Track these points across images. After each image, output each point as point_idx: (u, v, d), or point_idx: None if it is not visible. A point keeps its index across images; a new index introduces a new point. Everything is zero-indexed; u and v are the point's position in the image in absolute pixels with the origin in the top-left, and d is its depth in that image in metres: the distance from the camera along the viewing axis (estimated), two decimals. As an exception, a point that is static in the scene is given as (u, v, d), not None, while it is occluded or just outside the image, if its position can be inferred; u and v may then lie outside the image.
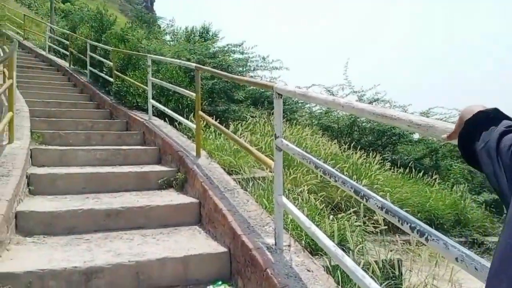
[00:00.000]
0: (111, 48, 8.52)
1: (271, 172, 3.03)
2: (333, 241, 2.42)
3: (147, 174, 4.53)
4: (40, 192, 3.99)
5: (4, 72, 5.65)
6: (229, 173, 4.43)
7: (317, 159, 2.36)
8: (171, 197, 4.05)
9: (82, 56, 10.28)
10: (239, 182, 4.13)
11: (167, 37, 17.49)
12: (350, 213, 3.25)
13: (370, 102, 8.32)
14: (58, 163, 4.76)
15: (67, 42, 11.61)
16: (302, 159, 2.41)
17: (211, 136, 5.50)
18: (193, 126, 4.88)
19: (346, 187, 1.95)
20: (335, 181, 2.05)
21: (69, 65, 11.21)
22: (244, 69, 8.92)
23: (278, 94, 2.81)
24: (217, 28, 13.60)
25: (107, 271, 2.70)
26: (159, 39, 13.53)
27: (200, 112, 4.60)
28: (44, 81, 9.74)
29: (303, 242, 2.84)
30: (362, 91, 8.87)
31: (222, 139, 5.18)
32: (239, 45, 9.00)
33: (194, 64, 4.87)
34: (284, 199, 2.61)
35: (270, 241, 2.70)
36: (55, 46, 13.29)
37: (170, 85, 6.09)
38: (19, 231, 3.23)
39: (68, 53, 11.40)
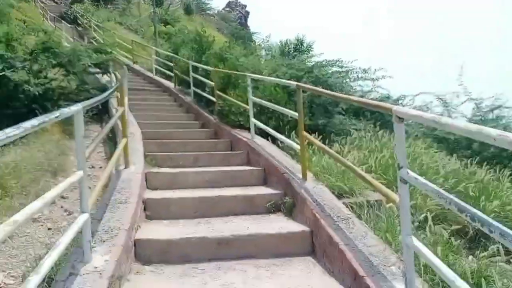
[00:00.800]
0: (211, 68, 8.78)
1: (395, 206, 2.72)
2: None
3: (254, 197, 4.47)
4: (157, 216, 4.13)
5: (117, 97, 6.10)
6: (339, 196, 4.18)
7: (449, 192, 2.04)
8: (281, 224, 3.92)
9: (185, 77, 10.80)
10: (352, 207, 3.86)
11: (263, 52, 17.77)
12: (493, 250, 2.80)
13: (491, 110, 7.46)
14: (171, 186, 4.91)
15: (171, 64, 12.32)
16: (438, 198, 2.09)
17: (315, 156, 5.29)
18: (297, 147, 4.72)
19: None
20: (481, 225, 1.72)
21: (174, 86, 11.85)
22: (344, 81, 8.59)
23: (399, 118, 2.51)
24: (311, 39, 13.43)
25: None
26: (255, 55, 13.80)
27: (304, 133, 4.43)
28: (152, 102, 10.39)
29: None
30: (480, 99, 8.01)
31: (328, 158, 4.94)
32: (337, 61, 8.70)
33: (295, 83, 4.73)
34: (415, 241, 2.30)
35: (399, 286, 2.40)
36: (160, 68, 14.19)
37: (271, 104, 6.01)
38: (138, 259, 3.33)
39: (172, 75, 12.07)
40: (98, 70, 10.88)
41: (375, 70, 8.88)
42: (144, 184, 4.67)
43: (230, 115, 7.50)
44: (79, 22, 23.96)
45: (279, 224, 3.89)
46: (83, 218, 2.74)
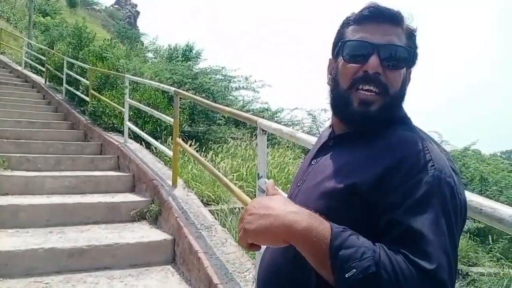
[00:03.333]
0: (88, 66, 8.23)
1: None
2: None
3: (119, 205, 4.22)
4: (1, 225, 3.64)
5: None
6: (207, 204, 4.17)
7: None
8: (143, 233, 3.75)
9: (58, 73, 9.93)
10: (218, 214, 3.87)
11: (150, 54, 17.33)
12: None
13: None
14: (24, 191, 4.41)
15: (44, 58, 11.25)
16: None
17: (189, 163, 5.23)
18: (170, 153, 4.61)
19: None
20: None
21: (45, 82, 10.81)
22: (226, 90, 8.72)
23: (262, 130, 2.59)
24: (200, 47, 13.47)
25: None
26: (141, 56, 13.31)
27: (178, 140, 4.34)
28: (17, 97, 9.33)
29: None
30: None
31: (201, 166, 4.91)
32: (221, 69, 8.81)
33: (173, 89, 4.63)
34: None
35: (250, 292, 2.44)
36: (31, 62, 12.87)
37: (148, 108, 5.82)
38: (-32, 274, 2.89)
39: (44, 70, 11.01)
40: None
41: (255, 80, 9.19)
42: (-11, 189, 4.12)
43: (104, 117, 7.07)
44: None
45: (141, 233, 3.72)
46: None
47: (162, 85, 5.67)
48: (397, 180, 0.82)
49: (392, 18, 0.94)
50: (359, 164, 0.89)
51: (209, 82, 8.25)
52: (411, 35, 0.97)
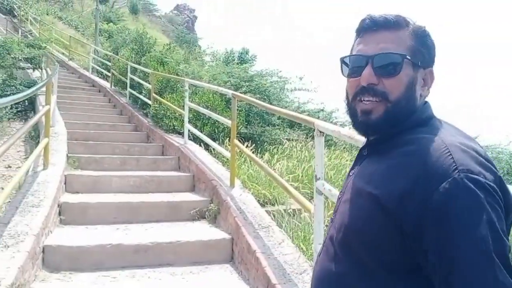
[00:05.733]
0: (150, 71, 8.59)
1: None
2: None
3: (179, 204, 4.38)
4: (72, 221, 3.91)
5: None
6: (264, 204, 4.22)
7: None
8: (203, 231, 3.86)
9: (122, 78, 10.47)
10: (274, 215, 3.90)
11: (207, 58, 17.75)
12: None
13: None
14: (93, 190, 4.70)
15: (109, 64, 11.91)
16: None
17: (246, 163, 5.31)
18: (227, 154, 4.72)
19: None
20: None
21: (110, 86, 11.44)
22: (281, 91, 8.74)
23: (320, 131, 2.58)
24: (255, 52, 13.64)
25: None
26: (199, 60, 13.70)
27: (236, 141, 4.43)
28: (86, 101, 9.95)
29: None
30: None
31: (257, 167, 4.97)
32: (276, 71, 8.85)
33: (231, 92, 4.73)
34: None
35: (308, 294, 2.44)
36: (97, 67, 13.68)
37: (207, 111, 5.98)
38: (45, 266, 3.13)
39: (110, 74, 11.66)
40: (29, 65, 10.30)
41: (311, 81, 9.15)
42: (62, 187, 4.42)
43: (165, 119, 7.36)
44: (15, 14, 22.52)
45: (201, 232, 3.84)
46: (-18, 221, 2.53)
47: (220, 88, 5.80)
48: (413, 204, 0.79)
49: (388, 25, 0.95)
50: (382, 174, 0.89)
51: (265, 84, 8.31)
52: (418, 35, 0.96)
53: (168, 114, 7.34)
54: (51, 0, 27.86)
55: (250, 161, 5.08)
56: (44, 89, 4.94)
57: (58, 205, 3.95)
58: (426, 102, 0.98)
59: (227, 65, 11.58)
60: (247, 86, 8.28)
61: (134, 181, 4.95)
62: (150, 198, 4.52)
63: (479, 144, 0.87)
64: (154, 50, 10.63)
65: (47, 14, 23.62)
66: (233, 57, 21.97)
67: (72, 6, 28.69)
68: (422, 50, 0.96)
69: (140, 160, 5.87)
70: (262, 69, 9.34)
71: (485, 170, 0.79)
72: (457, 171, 0.77)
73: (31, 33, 17.75)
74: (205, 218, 4.27)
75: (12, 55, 8.66)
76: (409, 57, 0.93)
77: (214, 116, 5.50)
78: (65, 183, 4.62)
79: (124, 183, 4.89)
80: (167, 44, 12.15)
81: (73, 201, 4.13)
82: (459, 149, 0.82)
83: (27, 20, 20.20)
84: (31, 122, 4.26)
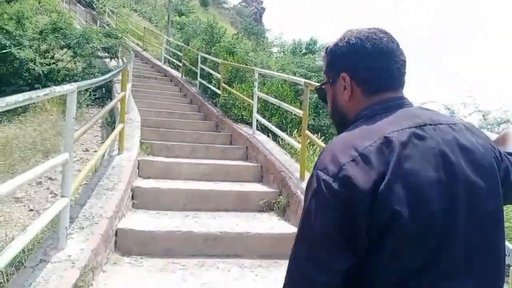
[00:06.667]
0: (220, 60, 8.63)
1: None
2: None
3: (247, 194, 4.30)
4: (144, 206, 3.98)
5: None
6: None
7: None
8: (272, 224, 3.75)
9: (193, 68, 10.65)
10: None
11: (274, 49, 17.63)
12: None
13: (498, 124, 7.20)
14: (164, 176, 4.77)
15: (181, 54, 12.19)
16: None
17: (315, 155, 5.12)
18: (298, 145, 4.56)
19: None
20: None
21: (181, 76, 11.70)
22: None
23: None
24: (325, 42, 13.26)
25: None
26: (267, 51, 13.61)
27: (307, 132, 4.26)
28: (158, 90, 10.26)
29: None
30: (488, 111, 7.72)
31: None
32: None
33: (303, 80, 4.56)
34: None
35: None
36: (169, 58, 14.07)
37: (276, 100, 5.85)
38: (117, 249, 3.18)
39: (181, 64, 11.94)
40: (106, 54, 10.79)
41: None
42: (135, 172, 4.53)
43: (234, 109, 7.34)
44: (94, 6, 23.88)
45: (270, 224, 3.73)
46: (62, 202, 2.59)
47: (292, 77, 5.65)
48: None
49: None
50: None
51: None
52: (327, 52, 1.09)
53: (237, 104, 7.31)
54: (127, -7, 29.17)
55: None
56: (120, 77, 5.09)
57: (131, 189, 4.03)
58: (372, 104, 0.99)
59: (294, 56, 11.38)
60: (316, 77, 8.05)
61: (203, 169, 4.96)
62: (219, 186, 4.49)
63: (371, 142, 0.86)
64: (224, 40, 10.71)
65: (123, 7, 24.79)
66: (300, 48, 21.65)
67: (146, -1, 29.88)
68: (332, 64, 1.06)
69: (210, 148, 5.89)
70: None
71: (333, 165, 0.85)
72: (316, 166, 0.90)
73: (108, 25, 18.66)
74: (273, 210, 4.16)
75: (91, 45, 9.09)
76: (324, 82, 1.11)
77: (285, 106, 5.35)
78: (138, 168, 4.73)
79: (194, 170, 4.91)
80: (235, 33, 12.21)
81: (146, 186, 4.20)
82: (330, 149, 0.90)
83: (105, 12, 21.29)
84: (108, 107, 4.38)
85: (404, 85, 1.04)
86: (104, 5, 22.55)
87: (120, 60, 10.56)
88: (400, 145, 0.85)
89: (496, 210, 0.89)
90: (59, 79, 8.28)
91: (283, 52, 15.15)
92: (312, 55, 12.26)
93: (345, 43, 1.03)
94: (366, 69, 1.00)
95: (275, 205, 4.15)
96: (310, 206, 0.86)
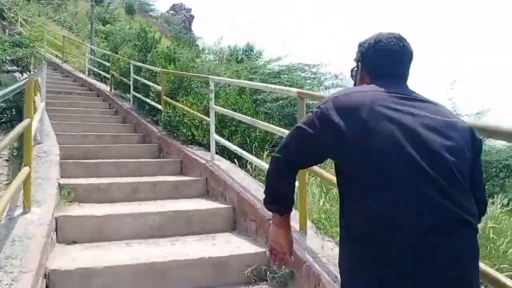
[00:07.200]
0: (158, 69, 7.15)
1: None
2: None
3: (227, 260, 2.94)
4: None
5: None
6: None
7: None
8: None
9: (124, 79, 9.00)
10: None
11: (210, 57, 16.30)
12: None
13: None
14: (96, 237, 3.27)
15: (108, 64, 10.44)
16: None
17: (311, 187, 3.87)
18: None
19: None
20: None
21: (110, 90, 9.95)
22: (318, 89, 7.30)
23: None
24: (260, 47, 12.42)
25: None
26: (203, 58, 12.25)
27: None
28: (82, 108, 8.49)
29: None
30: (466, 115, 7.07)
31: (329, 198, 3.53)
32: (314, 66, 7.37)
33: (295, 90, 3.29)
34: None
35: None
36: (95, 69, 12.19)
37: (250, 118, 4.52)
38: None
39: (109, 76, 10.20)
40: (15, 68, 8.86)
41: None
42: (51, 240, 2.98)
43: (181, 127, 5.91)
44: (5, 16, 21.06)
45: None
46: None
47: (280, 87, 4.33)
48: None
49: None
50: None
51: (299, 81, 6.89)
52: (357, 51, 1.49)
53: (186, 121, 5.90)
54: (44, 1, 26.49)
55: (321, 188, 3.64)
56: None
57: (45, 275, 2.52)
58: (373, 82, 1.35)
59: (230, 63, 10.19)
60: (277, 83, 6.87)
61: (153, 220, 3.51)
62: (181, 249, 3.08)
63: (351, 93, 1.29)
64: (160, 46, 9.22)
65: (39, 16, 22.29)
66: (237, 54, 20.53)
67: (66, 7, 27.36)
68: (358, 55, 1.47)
69: (157, 185, 4.42)
70: (289, 64, 7.88)
71: (325, 102, 1.29)
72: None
73: (20, 34, 16.27)
74: (265, 280, 2.85)
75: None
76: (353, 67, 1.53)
77: (262, 124, 4.03)
78: (56, 230, 3.19)
79: (141, 224, 3.45)
80: (173, 40, 10.73)
81: (69, 266, 2.68)
82: (332, 96, 1.34)
83: (17, 21, 18.74)
84: (7, 139, 2.84)
85: (406, 79, 1.39)
86: (16, 14, 19.90)
87: (33, 73, 8.64)
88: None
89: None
90: None
91: (222, 59, 13.94)
92: (250, 61, 11.13)
93: (368, 42, 1.43)
94: (374, 59, 1.40)
95: (269, 273, 2.83)
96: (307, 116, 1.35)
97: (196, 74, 6.61)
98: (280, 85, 6.52)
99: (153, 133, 6.53)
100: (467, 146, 1.21)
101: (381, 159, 1.13)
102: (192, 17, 42.18)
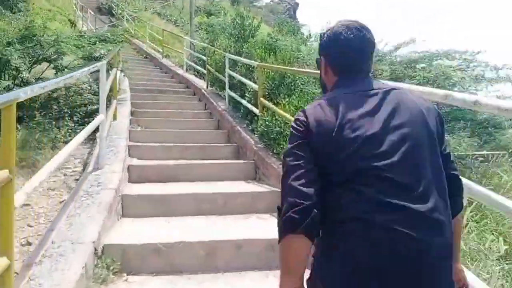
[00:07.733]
0: (256, 63, 5.70)
1: None
2: None
3: None
4: None
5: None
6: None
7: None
8: None
9: (219, 75, 7.78)
10: None
11: (315, 45, 14.44)
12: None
13: None
14: None
15: (205, 58, 9.32)
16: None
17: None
18: None
19: None
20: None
21: (206, 87, 8.84)
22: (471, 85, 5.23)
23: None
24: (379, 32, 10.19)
25: None
26: (309, 47, 10.59)
27: None
28: (173, 110, 7.43)
29: None
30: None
31: None
32: (463, 52, 5.31)
33: (443, 92, 1.55)
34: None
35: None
36: (193, 64, 11.20)
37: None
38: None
39: (205, 71, 9.08)
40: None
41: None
42: None
43: (282, 141, 4.43)
44: (114, 13, 21.80)
45: None
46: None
47: (428, 89, 2.60)
48: None
49: None
50: None
51: (444, 71, 4.93)
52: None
53: (288, 132, 4.37)
54: (153, -2, 27.13)
55: None
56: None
57: None
58: (338, 80, 1.34)
59: None
60: (409, 78, 5.01)
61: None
62: None
63: (333, 102, 1.23)
64: (260, 33, 7.81)
65: (145, 11, 22.67)
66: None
67: (174, 2, 27.80)
68: (319, 47, 1.42)
69: (243, 245, 2.96)
70: (427, 51, 5.86)
71: (303, 113, 1.25)
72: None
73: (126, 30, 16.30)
74: None
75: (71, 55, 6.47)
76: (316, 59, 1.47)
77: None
78: None
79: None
80: (274, 27, 9.27)
81: None
82: (310, 105, 1.29)
83: (123, 17, 19.08)
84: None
85: (370, 70, 1.33)
86: (123, 10, 20.33)
87: (117, 71, 7.78)
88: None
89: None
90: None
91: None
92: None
93: (326, 35, 1.37)
94: (335, 56, 1.34)
95: None
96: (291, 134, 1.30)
97: (303, 70, 5.02)
98: (424, 80, 4.67)
99: (247, 144, 5.14)
100: (436, 126, 1.24)
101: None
102: (297, 4, 41.16)
